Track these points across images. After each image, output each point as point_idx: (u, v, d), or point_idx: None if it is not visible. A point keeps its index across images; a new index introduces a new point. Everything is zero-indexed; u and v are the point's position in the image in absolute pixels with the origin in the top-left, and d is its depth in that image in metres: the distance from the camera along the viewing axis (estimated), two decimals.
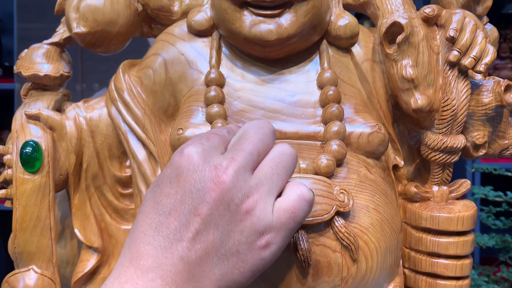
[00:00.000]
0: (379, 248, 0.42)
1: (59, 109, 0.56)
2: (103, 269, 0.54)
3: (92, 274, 0.54)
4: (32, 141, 0.50)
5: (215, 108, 0.46)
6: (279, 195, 0.35)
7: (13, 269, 0.51)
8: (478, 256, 1.54)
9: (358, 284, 0.41)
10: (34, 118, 0.52)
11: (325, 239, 0.40)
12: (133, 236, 0.33)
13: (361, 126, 0.47)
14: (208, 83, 0.49)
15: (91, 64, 1.76)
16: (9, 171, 0.51)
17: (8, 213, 0.52)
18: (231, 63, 0.50)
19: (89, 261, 0.53)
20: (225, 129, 0.39)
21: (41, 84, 0.58)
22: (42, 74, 0.56)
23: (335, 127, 0.45)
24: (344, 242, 0.40)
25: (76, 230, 0.53)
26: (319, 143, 0.47)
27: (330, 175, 0.42)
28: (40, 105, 0.54)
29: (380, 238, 0.42)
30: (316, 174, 0.42)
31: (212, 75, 0.48)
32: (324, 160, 0.42)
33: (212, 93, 0.47)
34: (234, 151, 0.35)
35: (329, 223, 0.40)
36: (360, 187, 0.43)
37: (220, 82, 0.49)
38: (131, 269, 0.32)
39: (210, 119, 0.46)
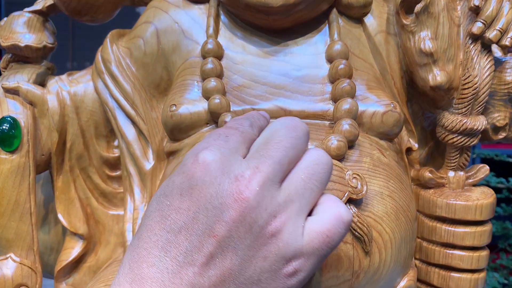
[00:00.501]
0: (393, 239, 0.38)
1: (42, 83, 0.51)
2: (89, 258, 0.50)
3: (78, 262, 0.50)
4: (10, 117, 0.45)
5: (212, 82, 0.42)
6: (310, 212, 0.30)
7: None
8: None
9: (370, 279, 0.37)
10: (12, 92, 0.47)
11: None
12: (134, 254, 0.28)
13: (374, 105, 0.42)
14: (204, 55, 0.44)
15: (82, 42, 1.70)
16: None
17: None
18: (231, 33, 0.45)
19: (74, 249, 0.49)
20: (247, 120, 0.32)
21: (22, 56, 0.53)
22: (22, 44, 0.52)
23: (346, 104, 0.40)
24: (356, 233, 0.36)
25: (59, 215, 0.49)
26: (327, 122, 0.42)
27: (341, 157, 0.38)
28: (20, 78, 0.50)
29: (395, 228, 0.38)
30: None
31: (209, 46, 0.44)
32: (334, 141, 0.38)
33: (209, 65, 0.43)
34: (259, 158, 0.29)
35: None
36: (374, 171, 0.39)
37: (218, 54, 0.44)
38: None
39: (206, 95, 0.42)
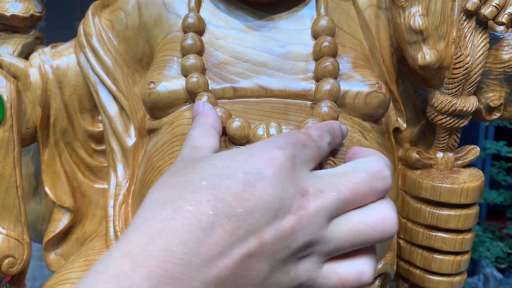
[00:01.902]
0: None
1: (30, 53, 0.51)
2: (76, 229, 0.51)
3: (66, 234, 0.51)
4: None
5: (191, 60, 0.40)
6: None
7: None
8: (485, 212, 1.51)
9: None
10: None
11: None
12: (167, 220, 0.25)
13: (358, 84, 0.41)
14: (185, 29, 0.42)
15: (91, 1, 1.67)
16: None
17: None
18: (213, 6, 0.44)
19: (61, 221, 0.50)
20: (329, 136, 0.32)
21: (9, 26, 0.53)
22: (8, 14, 0.51)
23: (327, 85, 0.39)
24: None
25: (46, 188, 0.50)
26: (309, 103, 0.41)
27: None
28: (5, 49, 0.49)
29: None
30: None
31: (190, 20, 0.42)
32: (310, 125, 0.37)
33: (189, 41, 0.41)
34: (329, 185, 0.28)
35: None
36: None
37: (199, 28, 0.42)
38: (144, 273, 0.23)
39: (185, 72, 0.41)
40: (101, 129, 0.49)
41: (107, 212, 0.45)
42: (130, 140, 0.45)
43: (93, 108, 0.49)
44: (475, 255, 1.32)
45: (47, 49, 0.49)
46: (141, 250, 0.24)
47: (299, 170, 0.28)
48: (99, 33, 0.46)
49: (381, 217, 0.29)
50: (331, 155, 0.36)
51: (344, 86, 0.40)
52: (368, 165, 0.30)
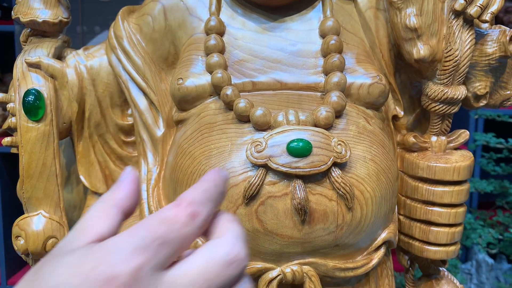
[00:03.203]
0: (374, 197, 0.43)
1: (59, 56, 0.56)
2: None
3: None
4: (34, 89, 0.50)
5: (215, 58, 0.46)
6: None
7: (21, 214, 0.53)
8: (476, 201, 1.57)
9: (353, 230, 0.43)
10: (34, 66, 0.52)
11: (322, 189, 0.41)
12: None
13: (362, 77, 0.46)
14: (208, 31, 0.48)
15: (92, 6, 1.71)
16: (13, 119, 0.51)
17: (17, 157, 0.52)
18: (232, 10, 0.49)
19: None
20: (203, 216, 0.27)
21: (40, 30, 0.57)
22: (40, 20, 0.55)
23: (335, 78, 0.45)
24: (340, 192, 0.41)
25: (81, 177, 0.55)
26: (319, 94, 0.47)
27: (328, 126, 0.43)
28: (40, 52, 0.54)
29: (375, 187, 0.43)
30: (315, 126, 0.42)
31: (212, 23, 0.48)
32: (323, 112, 0.42)
33: (212, 41, 0.47)
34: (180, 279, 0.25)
35: (326, 173, 0.41)
36: (358, 138, 0.44)
37: (220, 30, 0.48)
38: None
39: (210, 69, 0.46)
40: (130, 122, 0.54)
41: (140, 195, 0.50)
42: (159, 131, 0.51)
43: (123, 103, 0.54)
44: (467, 242, 1.38)
45: (81, 51, 0.54)
46: None
47: (146, 284, 0.25)
48: (129, 36, 0.51)
49: None
50: (340, 140, 0.42)
51: (349, 79, 0.46)
52: (224, 252, 0.27)
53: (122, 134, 0.55)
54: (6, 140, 0.52)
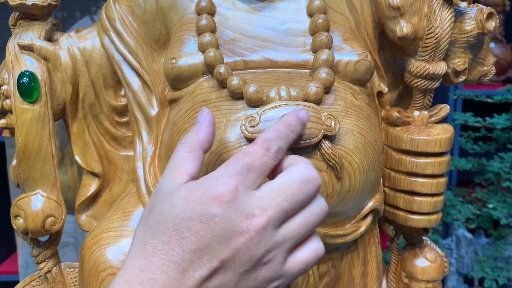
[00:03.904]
0: (362, 168, 0.46)
1: (49, 39, 0.56)
2: (104, 193, 0.58)
3: (94, 197, 0.58)
4: (28, 71, 0.51)
5: (207, 37, 0.47)
6: None
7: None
8: (456, 179, 1.62)
9: (342, 199, 0.45)
10: (27, 48, 0.53)
11: (313, 160, 0.43)
12: (149, 257, 0.33)
13: (348, 54, 0.48)
14: (199, 12, 0.49)
15: None
16: (7, 101, 0.52)
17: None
18: None
19: (91, 186, 0.57)
20: (276, 144, 0.37)
21: (29, 14, 0.58)
22: (29, 3, 0.56)
23: (324, 55, 0.47)
24: (330, 163, 0.43)
25: (76, 157, 0.56)
26: (308, 71, 0.48)
27: (318, 101, 0.45)
28: (31, 35, 0.54)
29: (363, 159, 0.46)
30: (306, 101, 0.44)
31: (203, 4, 0.49)
32: (313, 88, 0.44)
33: (204, 21, 0.48)
34: (270, 202, 0.34)
35: (316, 145, 0.43)
36: (346, 112, 0.46)
37: (211, 11, 0.49)
38: None
39: (202, 48, 0.48)
40: (124, 103, 0.56)
41: (137, 173, 0.52)
42: (153, 110, 0.52)
43: (116, 84, 0.55)
44: (447, 218, 1.43)
45: (73, 33, 0.55)
46: (134, 279, 0.33)
47: (243, 198, 0.34)
48: (121, 18, 0.52)
49: (317, 209, 0.36)
50: (329, 114, 0.44)
51: (336, 56, 0.48)
52: (299, 173, 0.36)
53: (115, 114, 0.56)
54: (1, 122, 0.53)
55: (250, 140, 0.43)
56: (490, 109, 1.59)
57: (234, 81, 0.44)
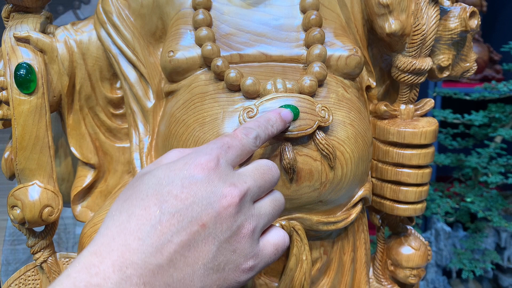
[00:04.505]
0: (353, 157, 0.48)
1: (43, 31, 0.57)
2: (99, 184, 0.58)
3: (90, 188, 0.59)
4: (25, 63, 0.51)
5: (204, 31, 0.49)
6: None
7: None
8: (435, 174, 1.66)
9: (334, 187, 0.47)
10: (23, 40, 0.53)
11: (308, 150, 0.45)
12: (123, 223, 0.31)
13: (340, 50, 0.50)
14: (195, 6, 0.51)
15: None
16: (4, 92, 0.52)
17: None
18: None
19: (87, 177, 0.57)
20: (254, 131, 0.39)
21: (22, 6, 0.58)
22: None
23: (317, 50, 0.49)
24: (323, 152, 0.45)
25: (72, 149, 0.56)
26: (301, 65, 0.50)
27: (312, 94, 0.47)
28: (26, 27, 0.55)
29: (354, 149, 0.48)
30: (300, 93, 0.46)
31: None
32: (307, 81, 0.46)
33: (200, 16, 0.50)
34: (248, 177, 0.36)
35: (311, 136, 0.45)
36: (338, 105, 0.48)
37: (207, 5, 0.51)
38: (108, 262, 0.30)
39: (199, 42, 0.49)
40: (119, 95, 0.56)
41: (133, 164, 0.53)
42: (150, 102, 0.53)
43: (112, 77, 0.56)
44: (427, 212, 1.47)
45: (69, 26, 0.55)
46: (104, 247, 0.30)
47: (224, 169, 0.34)
48: (117, 11, 0.53)
49: (279, 196, 0.39)
50: (323, 106, 0.46)
51: (328, 51, 0.50)
52: (264, 162, 0.38)
53: (111, 106, 0.57)
54: None
55: None
56: (468, 107, 1.64)
57: (232, 73, 0.46)
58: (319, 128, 0.45)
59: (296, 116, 0.44)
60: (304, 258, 0.48)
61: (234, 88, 0.47)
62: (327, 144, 0.45)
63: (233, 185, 0.34)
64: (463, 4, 0.56)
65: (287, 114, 0.43)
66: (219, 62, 0.47)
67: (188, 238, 0.31)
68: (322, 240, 0.51)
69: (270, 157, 0.44)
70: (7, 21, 0.60)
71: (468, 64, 0.59)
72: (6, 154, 0.65)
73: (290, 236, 0.47)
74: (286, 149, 0.44)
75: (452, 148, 1.53)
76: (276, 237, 0.37)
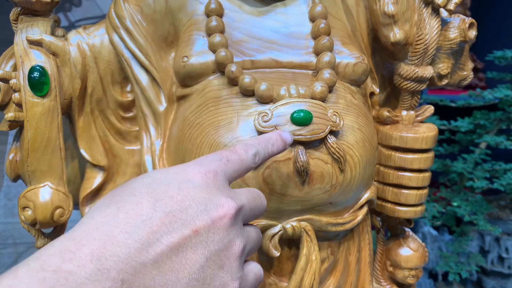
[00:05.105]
0: (361, 161, 0.50)
1: (52, 34, 0.58)
2: (108, 186, 0.59)
3: (98, 190, 0.59)
4: (39, 66, 0.52)
5: (217, 38, 0.50)
6: None
7: None
8: None
9: (343, 190, 0.49)
10: (36, 43, 0.54)
11: (319, 153, 0.47)
12: (110, 215, 0.29)
13: (347, 57, 0.52)
14: (208, 13, 0.52)
15: None
16: (16, 94, 0.53)
17: None
18: None
19: (96, 178, 0.58)
20: (254, 148, 0.38)
21: (31, 9, 0.59)
22: None
23: (326, 57, 0.50)
24: (334, 156, 0.47)
25: (82, 151, 0.57)
26: (310, 72, 0.52)
27: (323, 99, 0.48)
28: (37, 31, 0.55)
29: (362, 153, 0.50)
30: (312, 99, 0.48)
31: (213, 6, 0.52)
32: (319, 87, 0.48)
33: (214, 22, 0.51)
34: (243, 196, 0.35)
35: (323, 140, 0.47)
36: (347, 110, 0.50)
37: (220, 12, 0.52)
38: (86, 250, 0.27)
39: (213, 48, 0.51)
40: (129, 99, 0.57)
41: (145, 166, 0.54)
42: (162, 106, 0.54)
43: (123, 80, 0.57)
44: None
45: (81, 30, 0.56)
46: (85, 235, 0.27)
47: (222, 181, 0.34)
48: (131, 16, 0.54)
49: (259, 233, 0.38)
50: (334, 111, 0.48)
51: (337, 59, 0.52)
52: (255, 190, 0.38)
53: (121, 110, 0.58)
54: (10, 115, 0.53)
55: (262, 133, 0.46)
56: (454, 113, 1.68)
57: (246, 79, 0.47)
58: (331, 132, 0.47)
59: (309, 121, 0.45)
60: (313, 258, 0.50)
61: (248, 93, 0.48)
62: (338, 148, 0.47)
63: (230, 198, 0.33)
64: (462, 16, 0.59)
65: (287, 136, 0.43)
66: (233, 68, 0.49)
67: (179, 242, 0.29)
68: (329, 241, 0.53)
69: (284, 160, 0.46)
70: (15, 23, 0.60)
71: (465, 73, 0.62)
72: (11, 156, 0.65)
73: (301, 237, 0.49)
74: (300, 152, 0.46)
75: (439, 153, 1.56)
76: (257, 269, 0.36)
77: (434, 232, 1.56)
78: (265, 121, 0.45)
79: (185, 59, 0.50)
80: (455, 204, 1.46)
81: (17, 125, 0.64)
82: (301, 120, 0.45)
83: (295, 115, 0.45)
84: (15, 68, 0.61)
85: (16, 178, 0.66)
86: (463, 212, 1.41)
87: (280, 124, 0.45)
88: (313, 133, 0.46)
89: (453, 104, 1.60)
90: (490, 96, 1.43)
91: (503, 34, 1.78)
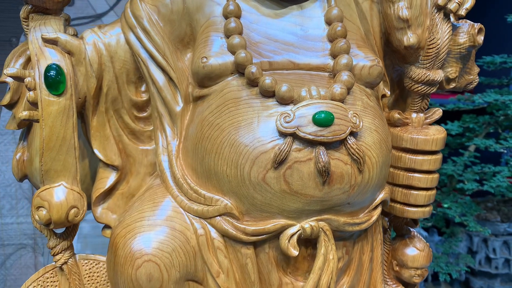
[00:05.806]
0: (378, 162, 0.51)
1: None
2: (121, 185, 0.59)
3: (110, 190, 0.59)
4: (55, 64, 0.52)
5: (236, 39, 0.51)
6: None
7: None
8: None
9: (361, 190, 0.50)
10: (51, 42, 0.53)
11: (339, 154, 0.48)
12: None
13: (362, 60, 0.53)
14: (227, 15, 0.52)
15: None
16: (31, 93, 0.52)
17: None
18: None
19: (109, 178, 0.58)
20: None
21: (42, 7, 0.58)
22: None
23: (344, 59, 0.51)
24: (354, 157, 0.48)
25: (95, 150, 0.57)
26: (327, 74, 0.53)
27: (342, 101, 0.49)
28: (50, 29, 0.55)
29: (379, 154, 0.51)
30: (332, 100, 0.48)
31: (231, 7, 0.52)
32: (338, 89, 0.49)
33: (232, 24, 0.51)
34: None
35: (342, 141, 0.48)
36: (364, 112, 0.51)
37: (238, 14, 0.53)
38: None
39: (232, 49, 0.51)
40: (144, 98, 0.57)
41: (162, 166, 0.54)
42: (178, 106, 0.54)
43: (137, 80, 0.57)
44: None
45: (96, 29, 0.56)
46: None
47: None
48: (148, 16, 0.54)
49: None
50: (354, 112, 0.49)
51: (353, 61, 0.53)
52: None
53: (135, 109, 0.57)
54: (24, 113, 0.53)
55: (284, 134, 0.46)
56: (443, 117, 1.72)
57: (267, 80, 0.48)
58: (351, 133, 0.48)
59: (330, 122, 0.46)
60: (331, 257, 0.50)
61: (268, 94, 0.48)
62: (357, 149, 0.48)
63: None
64: (469, 21, 0.61)
65: None
66: (253, 69, 0.49)
67: None
68: (344, 240, 0.54)
69: (305, 160, 0.47)
70: (26, 21, 0.60)
71: (472, 77, 0.63)
72: (18, 155, 0.64)
73: (318, 237, 0.50)
74: (321, 153, 0.46)
75: None
76: None
77: (425, 233, 1.59)
78: (287, 122, 0.46)
79: (205, 59, 0.51)
80: (445, 205, 1.48)
81: (25, 124, 0.63)
82: (323, 121, 0.46)
83: (316, 116, 0.46)
84: (24, 66, 0.60)
85: (23, 177, 0.65)
86: (454, 213, 1.43)
87: (302, 124, 0.46)
88: (335, 134, 0.46)
89: (442, 108, 1.63)
90: (480, 100, 1.46)
91: (492, 40, 1.83)
